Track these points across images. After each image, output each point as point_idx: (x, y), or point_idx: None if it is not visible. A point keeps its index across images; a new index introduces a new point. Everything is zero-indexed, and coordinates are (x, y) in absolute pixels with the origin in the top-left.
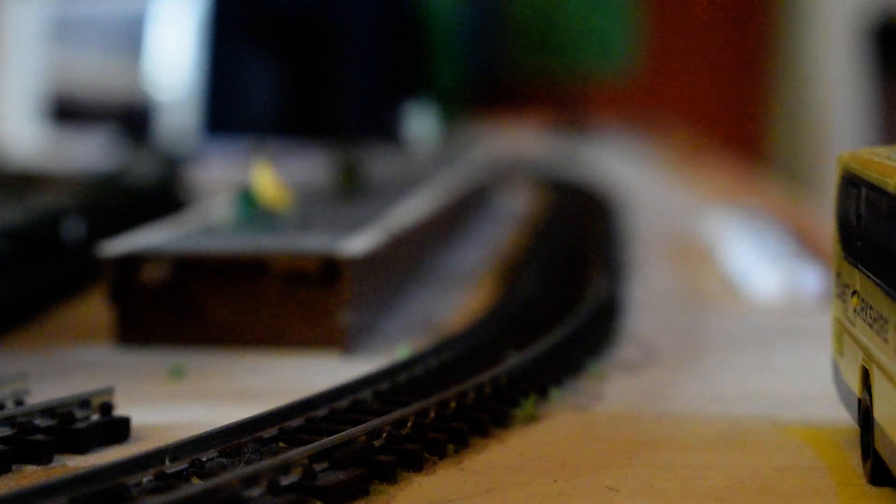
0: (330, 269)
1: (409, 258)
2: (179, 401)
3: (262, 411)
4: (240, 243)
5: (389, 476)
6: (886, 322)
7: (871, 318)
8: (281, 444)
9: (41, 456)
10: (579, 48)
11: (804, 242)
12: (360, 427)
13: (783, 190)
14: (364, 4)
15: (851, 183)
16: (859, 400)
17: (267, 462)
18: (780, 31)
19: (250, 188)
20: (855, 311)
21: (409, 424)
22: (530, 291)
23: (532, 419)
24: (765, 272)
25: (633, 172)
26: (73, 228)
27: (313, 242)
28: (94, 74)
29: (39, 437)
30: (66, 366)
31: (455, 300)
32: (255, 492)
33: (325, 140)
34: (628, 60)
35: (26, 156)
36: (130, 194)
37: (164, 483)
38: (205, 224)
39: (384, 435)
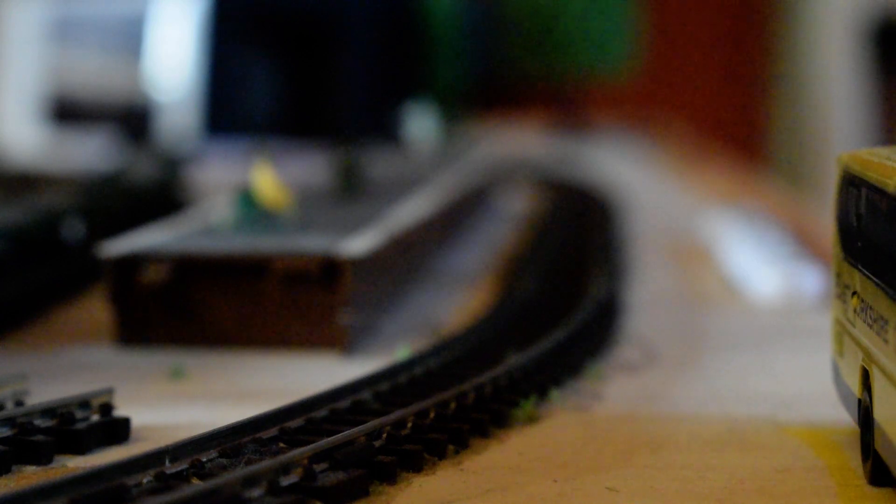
0: (330, 270)
1: (409, 258)
2: (179, 401)
3: (262, 412)
4: (240, 244)
5: (389, 476)
6: (886, 323)
7: (870, 318)
8: (281, 445)
9: (41, 456)
10: (579, 48)
11: (804, 243)
12: (360, 428)
13: (783, 191)
14: (364, 5)
15: (851, 183)
16: (859, 401)
17: (267, 462)
18: (780, 31)
19: (250, 188)
20: (855, 311)
21: (409, 425)
22: (530, 292)
23: (532, 420)
24: (765, 273)
25: (633, 173)
26: (73, 228)
27: (313, 243)
28: (94, 75)
29: (39, 437)
30: (66, 366)
31: (455, 300)
32: (255, 492)
33: (325, 140)
34: (628, 61)
35: (26, 156)
36: (130, 195)
37: (164, 483)
38: (205, 224)
39: (384, 435)
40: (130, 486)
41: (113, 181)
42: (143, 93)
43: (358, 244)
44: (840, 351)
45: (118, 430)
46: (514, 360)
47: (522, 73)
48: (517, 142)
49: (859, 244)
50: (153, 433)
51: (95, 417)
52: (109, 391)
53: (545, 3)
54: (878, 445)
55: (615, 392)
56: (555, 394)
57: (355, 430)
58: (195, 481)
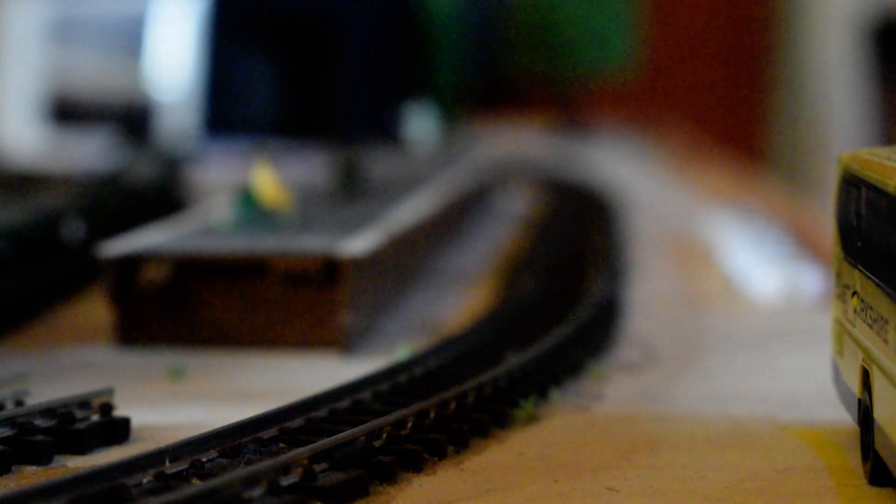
0: (330, 270)
1: (409, 258)
2: (179, 401)
3: (262, 412)
4: (240, 244)
5: (389, 476)
6: (886, 323)
7: (870, 318)
8: (281, 445)
9: (41, 456)
10: (579, 48)
11: (804, 243)
12: (360, 427)
13: (783, 190)
14: (364, 5)
15: (851, 183)
16: (859, 400)
17: (267, 462)
18: (780, 31)
19: (250, 189)
20: (855, 311)
21: (409, 425)
22: (530, 292)
23: (532, 420)
24: (765, 273)
25: (633, 172)
26: (73, 229)
27: (313, 243)
28: (94, 75)
29: (39, 437)
30: (66, 366)
31: (455, 300)
32: (255, 492)
33: (325, 140)
34: (628, 61)
35: (26, 156)
36: (130, 195)
37: (164, 483)
38: (205, 224)
39: (384, 435)
40: (130, 486)
41: (113, 181)
42: (143, 93)
43: (358, 244)
44: (840, 351)
45: (118, 430)
46: (514, 360)
47: (522, 73)
48: (517, 142)
49: (859, 244)
50: (153, 433)
51: (95, 417)
52: (109, 391)
53: (546, 2)
54: (878, 445)
55: (615, 392)
56: (555, 394)
57: (355, 430)
58: (195, 481)
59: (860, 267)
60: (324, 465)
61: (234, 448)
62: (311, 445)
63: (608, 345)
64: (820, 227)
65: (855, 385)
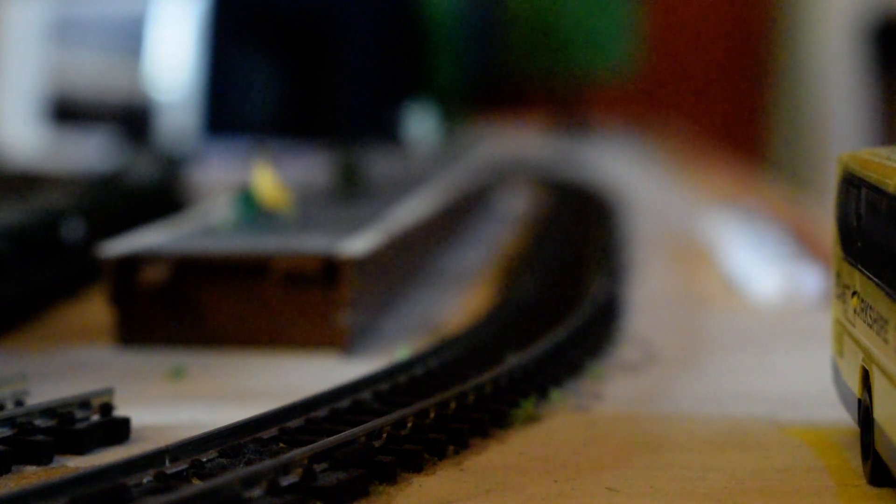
0: (330, 270)
1: (409, 258)
2: (179, 401)
3: (263, 412)
4: (240, 244)
5: (389, 476)
6: (886, 323)
7: (870, 318)
8: (281, 445)
9: (41, 456)
10: (579, 49)
11: (804, 243)
12: (360, 427)
13: (783, 190)
14: (364, 5)
15: (851, 183)
16: (859, 400)
17: (267, 462)
18: (780, 31)
19: (250, 189)
20: (855, 311)
21: (409, 425)
22: (530, 292)
23: (532, 420)
24: (765, 273)
25: (633, 173)
26: (73, 229)
27: (313, 243)
28: (94, 75)
29: (39, 437)
30: (66, 366)
31: (455, 300)
32: (255, 492)
33: (325, 140)
34: (628, 61)
35: (26, 156)
36: (130, 195)
37: (164, 483)
38: (205, 225)
39: (384, 435)
40: (130, 486)
41: (113, 181)
42: (143, 93)
43: (358, 244)
44: (840, 351)
45: (118, 430)
46: (513, 360)
47: (522, 73)
48: (517, 142)
49: (859, 244)
50: (153, 433)
51: (95, 417)
52: (109, 391)
53: (545, 3)
54: (878, 445)
55: (615, 392)
56: (555, 394)
57: (355, 430)
58: (195, 481)
59: (860, 267)
60: (324, 465)
61: (234, 448)
62: (311, 445)
63: (608, 345)
64: (820, 227)
65: (855, 385)
